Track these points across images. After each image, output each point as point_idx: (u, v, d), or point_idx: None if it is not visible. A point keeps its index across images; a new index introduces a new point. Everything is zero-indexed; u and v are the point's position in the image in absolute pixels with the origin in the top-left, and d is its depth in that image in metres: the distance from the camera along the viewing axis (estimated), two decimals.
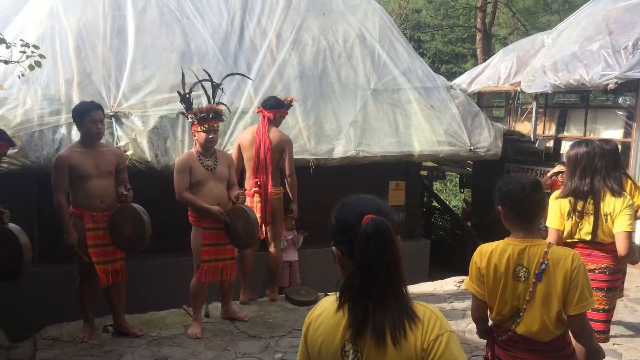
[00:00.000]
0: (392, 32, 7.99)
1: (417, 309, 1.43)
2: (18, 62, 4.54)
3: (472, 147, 7.24)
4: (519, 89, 8.40)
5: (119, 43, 6.41)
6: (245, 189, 5.12)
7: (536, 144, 8.10)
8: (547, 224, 3.30)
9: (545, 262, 2.19)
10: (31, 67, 4.55)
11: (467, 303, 5.31)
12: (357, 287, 1.41)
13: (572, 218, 3.26)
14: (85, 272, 4.25)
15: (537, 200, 2.27)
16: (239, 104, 6.33)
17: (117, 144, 5.58)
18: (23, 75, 4.88)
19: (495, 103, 10.64)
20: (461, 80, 9.90)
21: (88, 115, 4.18)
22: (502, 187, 2.32)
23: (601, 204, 3.23)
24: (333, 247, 1.48)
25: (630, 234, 3.16)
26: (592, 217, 3.24)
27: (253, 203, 5.06)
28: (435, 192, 13.57)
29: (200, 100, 5.05)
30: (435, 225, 10.52)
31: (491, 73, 9.27)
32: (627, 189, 4.12)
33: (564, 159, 7.48)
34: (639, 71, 6.48)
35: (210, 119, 4.40)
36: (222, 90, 4.88)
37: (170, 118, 5.83)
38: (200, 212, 4.37)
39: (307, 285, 5.97)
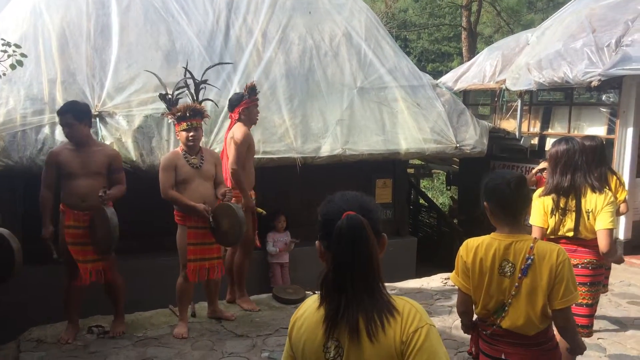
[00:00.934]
0: (379, 31, 8.02)
1: (396, 303, 1.43)
2: None
3: (458, 145, 7.29)
4: (504, 87, 8.46)
5: (102, 42, 6.36)
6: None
7: (521, 141, 8.16)
8: (530, 222, 3.33)
9: (531, 257, 2.21)
10: (12, 67, 4.50)
11: (454, 300, 5.33)
12: (331, 282, 1.43)
13: (555, 215, 3.29)
14: (71, 271, 4.22)
15: (522, 196, 2.29)
16: (225, 103, 6.29)
17: None
18: (4, 74, 4.82)
19: (480, 101, 10.69)
20: (447, 79, 9.94)
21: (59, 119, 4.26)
22: (488, 183, 2.33)
23: (583, 201, 3.26)
24: (317, 241, 1.49)
25: (611, 231, 3.20)
26: (574, 214, 3.27)
27: None
28: (423, 189, 13.63)
29: (186, 100, 5.02)
30: (422, 222, 10.57)
31: (476, 71, 9.32)
32: (612, 185, 4.17)
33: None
34: (622, 68, 6.55)
35: (189, 117, 4.35)
36: (204, 88, 4.81)
37: (156, 117, 5.79)
38: (185, 211, 4.35)
39: (296, 283, 5.97)
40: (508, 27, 20.92)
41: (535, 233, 3.29)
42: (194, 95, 4.71)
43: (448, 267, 2.49)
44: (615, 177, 4.41)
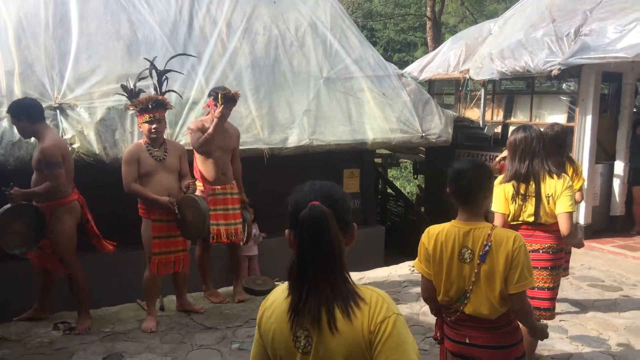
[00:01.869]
0: (344, 21, 8.02)
1: (363, 292, 1.44)
2: None
3: (423, 134, 7.38)
4: (467, 76, 8.58)
5: (61, 32, 6.18)
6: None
7: (485, 130, 8.31)
8: (492, 209, 3.40)
9: (489, 243, 2.26)
10: None
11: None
12: (295, 271, 1.44)
13: (515, 201, 3.37)
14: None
15: (476, 183, 2.32)
16: (190, 94, 6.23)
17: (62, 136, 5.40)
18: None
19: (445, 90, 10.83)
20: (412, 68, 10.03)
21: None
22: (448, 170, 2.38)
23: (542, 186, 3.34)
24: (287, 230, 1.51)
25: (571, 214, 3.29)
26: (534, 200, 3.35)
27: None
28: (392, 179, 13.75)
29: (150, 91, 4.93)
30: (390, 211, 10.67)
31: (441, 61, 9.42)
32: (569, 173, 4.29)
33: None
34: (580, 57, 6.72)
35: (152, 109, 4.29)
36: (167, 79, 4.73)
37: (119, 109, 5.68)
38: (149, 204, 4.29)
39: (265, 274, 5.97)
40: (472, 17, 21.19)
41: (497, 219, 3.36)
42: (158, 86, 4.63)
43: (415, 255, 2.53)
44: (572, 166, 4.54)
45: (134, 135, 5.69)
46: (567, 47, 6.98)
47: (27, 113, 4.15)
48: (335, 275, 1.42)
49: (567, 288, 5.37)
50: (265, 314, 1.55)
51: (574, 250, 5.02)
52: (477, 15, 21.23)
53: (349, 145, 6.94)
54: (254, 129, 6.41)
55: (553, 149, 3.77)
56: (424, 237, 2.43)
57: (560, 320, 4.55)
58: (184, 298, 4.77)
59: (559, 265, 3.60)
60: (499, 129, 8.61)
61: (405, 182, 16.10)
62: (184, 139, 5.78)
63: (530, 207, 3.38)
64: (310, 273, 1.42)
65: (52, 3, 6.31)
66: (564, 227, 3.27)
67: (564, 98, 8.02)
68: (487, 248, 2.26)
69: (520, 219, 3.43)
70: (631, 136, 7.55)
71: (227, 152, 4.85)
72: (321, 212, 1.42)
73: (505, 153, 5.53)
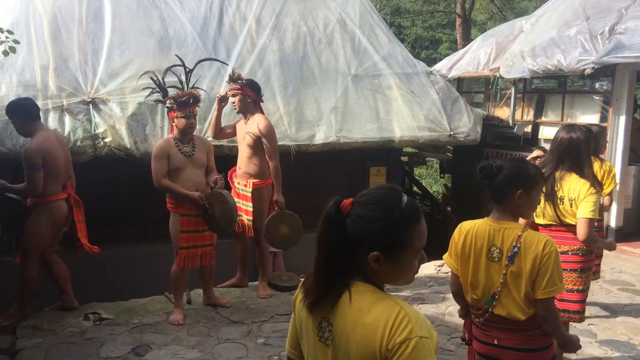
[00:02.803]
0: (373, 18, 7.98)
1: (391, 305, 1.37)
2: None
3: (451, 133, 7.31)
4: (498, 75, 8.45)
5: (95, 28, 6.30)
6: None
7: (514, 129, 8.19)
8: None
9: (518, 245, 2.24)
10: (5, 53, 4.47)
11: (447, 286, 5.39)
12: (314, 261, 1.45)
13: (544, 202, 3.33)
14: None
15: (502, 184, 2.30)
16: (219, 90, 6.27)
17: (94, 130, 5.52)
18: None
19: (474, 88, 10.69)
20: (441, 66, 9.92)
21: None
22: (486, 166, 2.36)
23: (567, 189, 3.29)
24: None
25: (591, 221, 3.22)
26: (561, 201, 3.31)
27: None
28: (418, 177, 13.67)
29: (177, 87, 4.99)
30: None
31: (470, 59, 9.30)
32: (600, 175, 4.20)
33: (542, 144, 7.61)
34: (615, 56, 6.57)
35: (191, 104, 4.38)
36: (190, 75, 4.76)
37: (149, 104, 5.76)
38: (179, 199, 4.35)
39: (290, 270, 5.99)
40: (501, 14, 20.88)
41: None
42: (185, 83, 4.68)
43: (441, 254, 2.51)
44: (603, 167, 4.44)
45: (164, 130, 5.77)
46: (601, 45, 6.83)
47: (21, 113, 4.29)
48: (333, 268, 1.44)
49: (597, 292, 5.27)
50: (299, 297, 1.54)
51: (605, 253, 4.92)
52: (506, 12, 20.92)
53: (375, 143, 6.92)
54: (281, 125, 6.43)
55: (587, 151, 3.70)
56: (455, 233, 2.42)
57: (589, 324, 4.48)
58: (210, 292, 4.82)
59: (588, 268, 3.54)
60: (529, 129, 8.47)
61: (432, 180, 15.98)
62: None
63: (558, 209, 3.34)
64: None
65: None
66: (580, 232, 3.21)
67: (597, 98, 7.84)
68: (515, 249, 2.23)
69: (549, 220, 3.39)
70: None
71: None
72: (327, 212, 1.44)
73: (536, 153, 5.47)
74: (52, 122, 5.42)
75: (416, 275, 4.77)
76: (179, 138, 4.40)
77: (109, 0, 6.49)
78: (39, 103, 5.49)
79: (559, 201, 3.31)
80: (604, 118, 7.41)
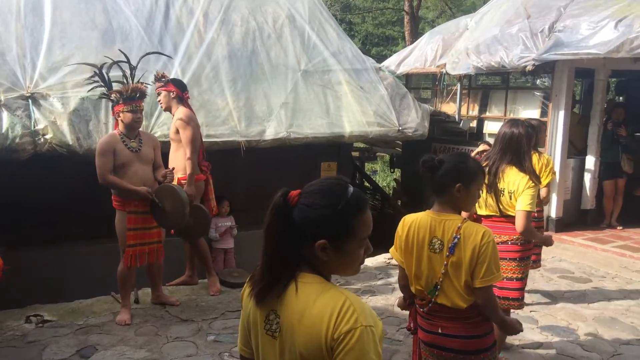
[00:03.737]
0: (322, 14, 8.01)
1: (336, 294, 1.38)
2: None
3: (400, 128, 7.43)
4: (444, 71, 8.66)
5: (34, 20, 6.06)
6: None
7: (460, 124, 8.40)
8: None
9: (458, 236, 2.31)
10: None
11: (396, 278, 5.49)
12: (262, 253, 1.46)
13: (483, 192, 3.44)
14: None
15: (443, 177, 2.36)
16: None
17: (34, 127, 5.31)
18: None
19: (422, 84, 10.91)
20: (390, 62, 10.07)
21: None
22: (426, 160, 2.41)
23: (507, 182, 3.42)
24: None
25: (528, 213, 3.34)
26: (501, 193, 3.43)
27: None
28: (371, 172, 13.82)
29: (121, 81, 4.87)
30: None
31: (418, 55, 9.48)
32: (537, 168, 4.37)
33: (487, 138, 7.83)
34: (554, 53, 6.84)
35: (137, 99, 4.29)
36: (135, 71, 4.67)
37: (92, 99, 5.59)
38: (126, 195, 4.25)
39: (242, 267, 5.96)
40: (450, 12, 21.33)
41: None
42: (130, 78, 4.58)
43: (390, 245, 2.56)
44: (541, 161, 4.61)
45: (108, 126, 5.61)
46: (541, 43, 7.09)
47: None
48: (277, 259, 1.45)
49: (538, 279, 5.48)
50: (246, 291, 1.54)
51: None
52: (455, 9, 21.38)
53: (326, 138, 6.96)
54: (230, 121, 6.38)
55: (527, 146, 3.84)
56: (399, 226, 2.49)
57: (530, 311, 4.65)
58: (159, 290, 4.74)
59: (527, 257, 3.68)
60: (474, 124, 8.71)
61: (383, 175, 16.20)
62: (160, 131, 5.74)
63: (490, 200, 3.47)
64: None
65: None
66: (519, 224, 3.33)
67: (538, 93, 8.14)
68: (456, 240, 2.30)
69: (489, 211, 3.51)
70: (602, 132, 7.70)
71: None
72: (275, 201, 1.46)
73: (481, 147, 5.64)
74: None
75: (366, 268, 4.82)
76: (124, 133, 4.30)
77: None
78: None
79: (499, 193, 3.43)
80: (544, 113, 7.70)
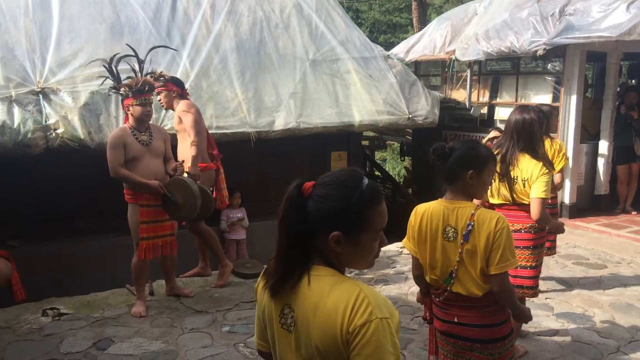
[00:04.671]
0: (329, 2, 7.96)
1: (350, 287, 1.37)
2: None
3: (410, 116, 7.38)
4: (453, 57, 8.57)
5: (42, 15, 6.06)
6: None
7: (471, 111, 8.33)
8: None
9: (472, 223, 2.28)
10: None
11: (409, 266, 5.48)
12: (276, 245, 1.45)
13: (497, 181, 3.40)
14: None
15: (454, 165, 2.34)
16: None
17: (46, 122, 5.33)
18: None
19: (431, 71, 10.82)
20: (398, 50, 10.00)
21: None
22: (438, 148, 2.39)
23: (519, 170, 3.38)
24: None
25: (543, 200, 3.31)
26: (514, 181, 3.39)
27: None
28: (380, 161, 13.78)
29: (130, 75, 4.87)
30: None
31: (427, 42, 9.40)
32: (550, 153, 4.31)
33: (498, 125, 7.76)
34: (565, 37, 6.74)
35: (146, 92, 4.28)
36: (143, 65, 4.66)
37: (102, 93, 5.60)
38: (137, 188, 4.26)
39: (254, 258, 5.97)
40: None
41: None
42: (138, 72, 4.58)
43: (403, 236, 2.54)
44: (554, 147, 4.55)
45: (119, 119, 5.62)
46: (552, 27, 6.99)
47: None
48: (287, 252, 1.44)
49: (553, 266, 5.45)
50: (260, 284, 1.52)
51: None
52: None
53: (336, 128, 6.93)
54: (240, 112, 6.37)
55: (540, 132, 3.79)
56: (411, 216, 2.46)
57: (546, 298, 4.63)
58: (173, 282, 4.77)
59: (541, 244, 3.65)
60: (485, 110, 8.64)
61: (393, 163, 16.15)
62: (170, 123, 5.74)
63: (503, 189, 3.43)
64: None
65: None
66: (534, 211, 3.30)
67: (549, 78, 8.05)
68: (469, 227, 2.28)
69: (502, 199, 3.48)
70: (615, 116, 7.61)
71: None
72: (289, 192, 1.43)
73: (492, 134, 5.58)
74: (0, 113, 5.21)
75: (379, 256, 4.81)
76: (135, 127, 4.30)
77: None
78: None
79: (512, 181, 3.39)
80: (556, 98, 7.61)
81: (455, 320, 2.39)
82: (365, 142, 10.13)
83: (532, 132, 3.40)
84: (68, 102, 5.53)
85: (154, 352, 3.77)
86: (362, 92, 7.23)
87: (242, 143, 6.25)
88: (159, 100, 4.92)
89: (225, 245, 6.53)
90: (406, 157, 11.90)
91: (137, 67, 4.55)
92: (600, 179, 7.76)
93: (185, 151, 4.82)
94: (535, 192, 3.29)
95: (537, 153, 3.38)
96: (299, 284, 1.40)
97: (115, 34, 6.17)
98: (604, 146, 7.69)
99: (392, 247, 6.17)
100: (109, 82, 4.56)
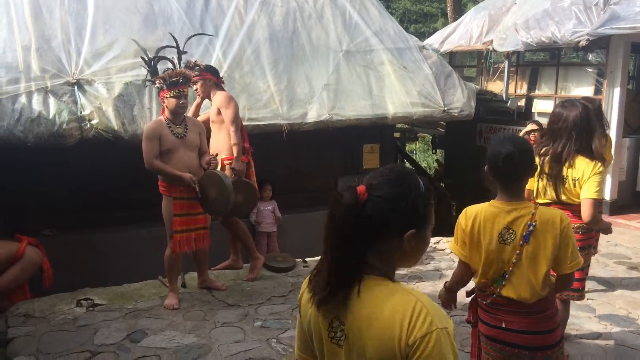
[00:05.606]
0: None
1: (407, 297, 1.31)
2: None
3: (445, 108, 7.22)
4: (491, 48, 8.34)
5: (77, 6, 6.09)
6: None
7: (508, 103, 8.11)
8: None
9: (533, 223, 2.18)
10: None
11: (444, 263, 5.37)
12: (324, 258, 1.41)
13: (542, 179, 3.25)
14: None
15: (522, 168, 2.24)
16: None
17: (80, 112, 5.36)
18: None
19: (467, 62, 10.58)
20: (433, 40, 9.78)
21: None
22: (487, 150, 2.28)
23: (571, 169, 3.19)
24: None
25: (595, 201, 3.13)
26: (560, 180, 3.22)
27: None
28: (410, 153, 13.59)
29: (166, 66, 4.85)
30: None
31: (463, 32, 9.16)
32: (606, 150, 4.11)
33: (536, 118, 7.53)
34: (610, 27, 6.48)
35: (181, 84, 4.24)
36: (182, 56, 4.63)
37: (136, 85, 5.60)
38: (171, 181, 4.24)
39: (285, 252, 5.93)
40: None
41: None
42: (177, 64, 4.54)
43: (435, 230, 2.42)
44: (607, 144, 4.35)
45: (152, 111, 5.63)
46: (595, 16, 6.74)
47: None
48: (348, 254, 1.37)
49: (594, 265, 5.24)
50: (304, 295, 1.46)
51: None
52: None
53: (369, 120, 6.82)
54: (272, 104, 6.31)
55: (590, 128, 3.57)
56: (461, 219, 2.34)
57: (587, 299, 4.45)
58: (205, 275, 4.75)
59: (589, 245, 3.49)
60: (522, 102, 8.40)
61: (424, 155, 15.94)
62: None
63: (549, 189, 3.26)
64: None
65: None
66: (585, 213, 3.12)
67: (591, 70, 7.77)
68: (531, 228, 2.17)
69: (547, 197, 3.31)
70: None
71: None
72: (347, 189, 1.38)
73: (530, 127, 5.39)
74: (36, 104, 5.26)
75: None
76: (170, 119, 4.26)
77: None
78: (22, 85, 5.35)
79: (562, 181, 3.22)
80: (597, 90, 7.35)
81: (503, 325, 2.28)
82: (396, 134, 9.96)
83: (590, 130, 3.21)
84: (102, 93, 5.55)
85: (187, 345, 3.75)
86: (396, 83, 7.09)
87: (273, 135, 6.20)
88: (195, 90, 4.85)
89: (256, 238, 6.49)
90: (437, 150, 11.70)
91: (174, 58, 4.52)
92: None
93: (220, 143, 4.78)
94: (587, 192, 3.12)
95: (592, 151, 3.19)
96: (350, 295, 1.32)
97: (149, 25, 6.17)
98: None
99: None
100: (145, 73, 4.54)
